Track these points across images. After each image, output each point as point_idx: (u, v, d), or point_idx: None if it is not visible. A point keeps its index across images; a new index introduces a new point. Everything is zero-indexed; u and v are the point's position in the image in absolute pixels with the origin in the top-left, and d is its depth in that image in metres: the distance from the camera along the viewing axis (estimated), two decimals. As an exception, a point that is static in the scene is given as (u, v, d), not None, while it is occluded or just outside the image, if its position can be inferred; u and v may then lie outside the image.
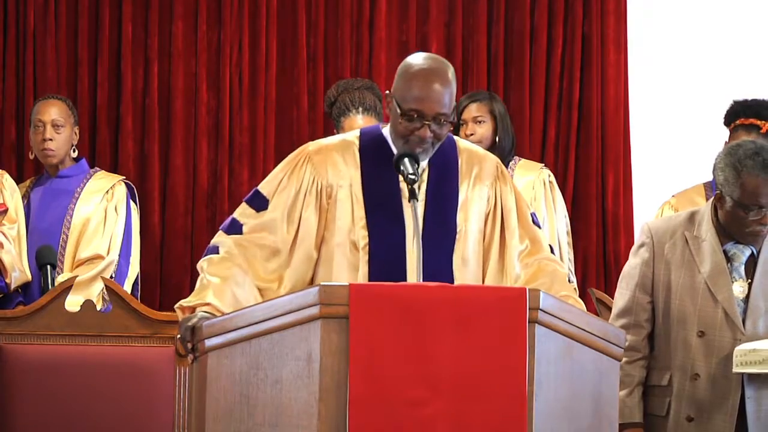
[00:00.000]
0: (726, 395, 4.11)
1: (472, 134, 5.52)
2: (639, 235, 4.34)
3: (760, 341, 4.08)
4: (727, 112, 5.46)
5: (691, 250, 4.21)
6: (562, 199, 5.71)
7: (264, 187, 3.86)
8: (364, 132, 3.95)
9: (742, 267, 4.19)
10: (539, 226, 3.98)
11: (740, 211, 4.10)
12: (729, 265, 4.18)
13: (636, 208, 6.36)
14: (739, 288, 4.17)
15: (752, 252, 4.20)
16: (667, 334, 4.19)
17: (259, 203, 3.83)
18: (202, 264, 3.79)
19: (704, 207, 4.29)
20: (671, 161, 6.09)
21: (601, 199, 6.39)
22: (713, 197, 4.22)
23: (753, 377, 4.10)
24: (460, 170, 3.89)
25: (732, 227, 4.16)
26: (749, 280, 4.18)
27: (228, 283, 3.73)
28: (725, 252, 4.19)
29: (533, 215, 3.98)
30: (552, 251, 3.99)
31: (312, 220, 3.82)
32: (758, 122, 5.36)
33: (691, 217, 4.28)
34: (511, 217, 3.90)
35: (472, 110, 5.60)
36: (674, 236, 4.25)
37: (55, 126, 5.56)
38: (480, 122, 5.57)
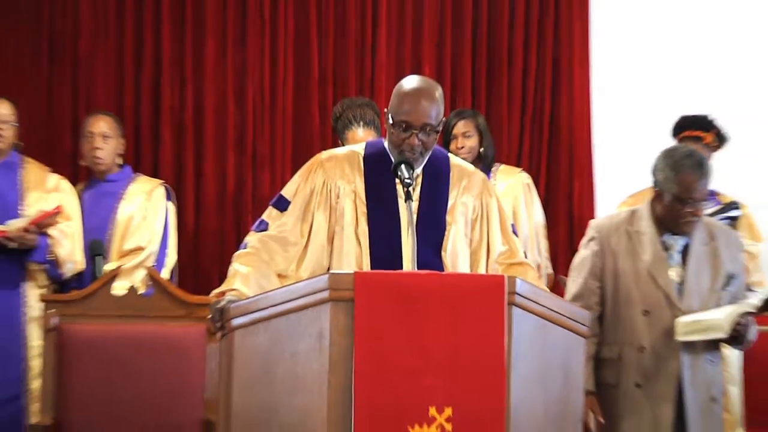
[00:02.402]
0: (667, 364, 4.14)
1: (462, 147, 5.51)
2: (588, 231, 4.40)
3: (699, 313, 4.11)
4: (675, 124, 5.49)
5: (634, 242, 4.24)
6: (538, 199, 5.68)
7: (286, 190, 3.92)
8: (369, 144, 3.99)
9: (678, 255, 4.23)
10: (516, 235, 4.01)
11: (678, 204, 4.14)
12: (666, 253, 4.21)
13: (598, 208, 6.33)
14: (675, 273, 4.20)
15: (686, 242, 4.22)
16: (615, 314, 4.21)
17: (282, 205, 3.89)
18: (233, 257, 3.84)
19: (643, 206, 4.31)
20: (628, 168, 6.08)
21: (569, 202, 6.37)
22: (652, 195, 4.24)
23: (689, 349, 4.15)
24: (451, 180, 3.91)
25: (669, 219, 4.19)
26: (684, 266, 4.21)
27: (252, 272, 3.75)
28: (663, 243, 4.22)
29: (513, 226, 4.02)
30: (525, 256, 4.03)
31: (323, 217, 3.85)
32: (702, 134, 5.38)
33: (632, 215, 4.31)
34: (494, 225, 3.94)
35: (461, 126, 5.56)
36: (618, 231, 4.28)
37: (104, 137, 5.53)
38: (468, 136, 5.54)
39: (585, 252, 4.30)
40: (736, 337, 4.12)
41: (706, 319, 4.06)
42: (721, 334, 4.05)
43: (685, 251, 4.23)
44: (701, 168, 4.13)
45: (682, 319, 4.09)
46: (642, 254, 4.20)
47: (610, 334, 4.20)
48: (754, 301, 4.13)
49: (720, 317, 4.04)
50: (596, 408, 4.17)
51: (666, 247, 4.21)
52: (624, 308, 4.20)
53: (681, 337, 4.08)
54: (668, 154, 4.19)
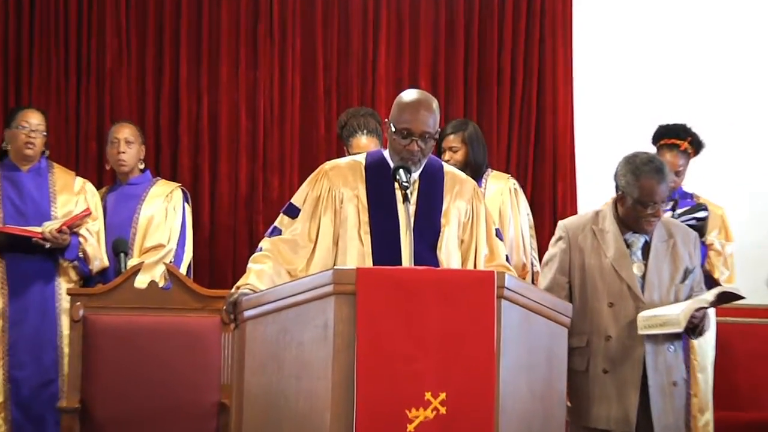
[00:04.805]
0: (632, 351, 4.12)
1: (449, 159, 5.47)
2: (557, 230, 4.37)
3: (658, 309, 4.12)
4: (654, 134, 5.47)
5: (599, 239, 4.22)
6: (525, 201, 5.59)
7: (295, 199, 3.95)
8: (369, 154, 4.00)
9: (639, 251, 4.22)
10: (501, 239, 4.02)
11: (639, 207, 4.13)
12: (629, 250, 4.19)
13: (580, 210, 6.30)
14: (637, 268, 4.17)
15: (646, 240, 4.21)
16: (583, 306, 4.17)
17: (292, 212, 3.92)
18: (249, 260, 3.87)
19: (606, 207, 4.30)
20: (607, 173, 6.07)
21: (553, 205, 6.34)
22: (614, 197, 4.24)
23: (651, 337, 4.12)
24: (445, 186, 3.92)
25: (631, 220, 4.20)
26: (645, 261, 4.18)
27: (266, 269, 3.79)
28: (625, 240, 4.20)
29: (497, 230, 4.03)
30: (507, 259, 4.02)
31: (329, 221, 3.87)
32: (678, 141, 5.37)
33: (596, 215, 4.30)
34: (481, 229, 3.95)
35: (449, 141, 5.46)
36: (584, 230, 4.26)
37: (127, 143, 5.54)
38: (455, 151, 5.42)
39: (554, 250, 4.28)
40: (692, 329, 4.12)
41: (664, 315, 4.05)
42: (677, 329, 4.04)
43: (645, 248, 4.20)
44: (660, 173, 4.09)
45: (643, 314, 4.07)
46: (606, 251, 4.17)
47: (578, 325, 4.12)
48: (707, 296, 4.11)
49: (676, 313, 4.03)
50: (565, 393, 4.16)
51: (628, 245, 4.18)
52: (591, 301, 4.16)
53: (642, 331, 4.06)
54: (629, 161, 4.16)
